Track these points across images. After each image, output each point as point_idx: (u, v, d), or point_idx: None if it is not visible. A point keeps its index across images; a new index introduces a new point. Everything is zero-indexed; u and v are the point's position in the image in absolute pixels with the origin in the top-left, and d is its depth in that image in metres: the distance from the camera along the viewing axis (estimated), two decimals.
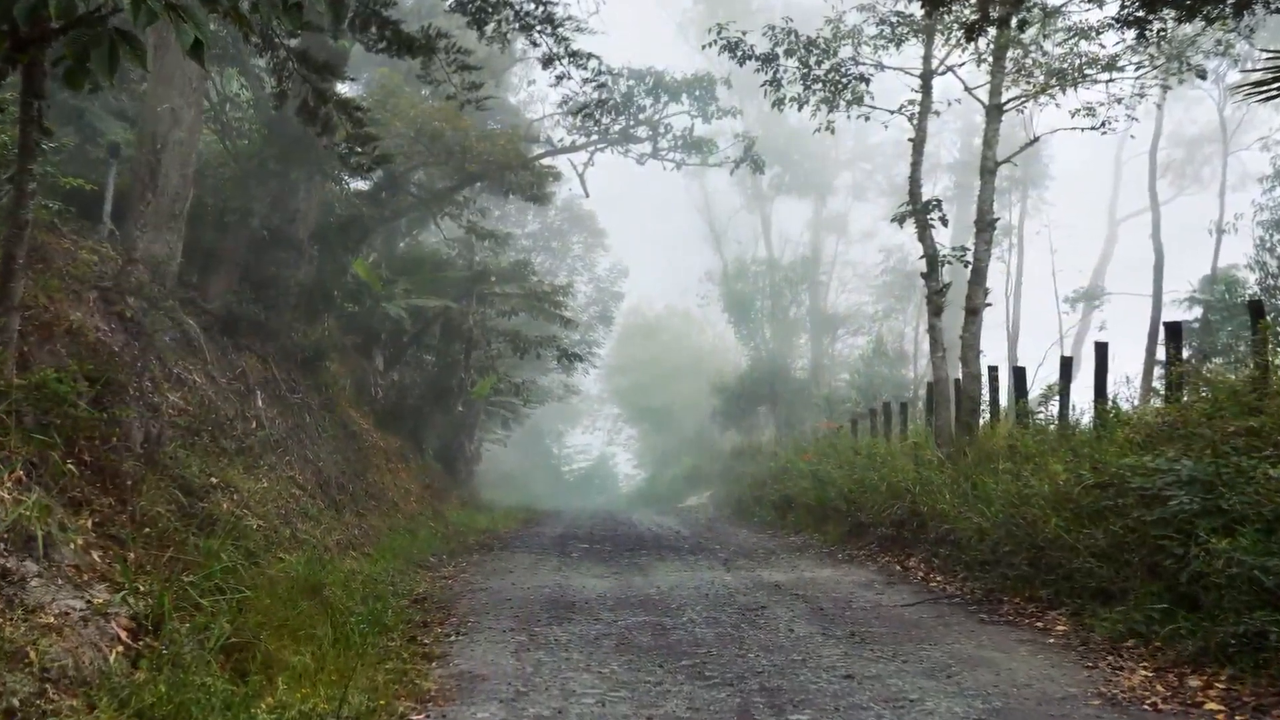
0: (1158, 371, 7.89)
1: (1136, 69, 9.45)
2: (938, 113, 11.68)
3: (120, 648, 4.17)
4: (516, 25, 12.24)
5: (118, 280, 8.17)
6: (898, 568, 7.98)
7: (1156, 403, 7.61)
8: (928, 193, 11.65)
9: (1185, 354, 7.26)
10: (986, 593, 6.64)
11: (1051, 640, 5.51)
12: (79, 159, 9.20)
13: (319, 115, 10.26)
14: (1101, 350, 7.85)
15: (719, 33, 12.14)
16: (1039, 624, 5.85)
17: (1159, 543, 5.56)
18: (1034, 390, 9.42)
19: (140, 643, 4.32)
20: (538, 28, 12.21)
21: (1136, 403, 7.63)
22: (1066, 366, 8.70)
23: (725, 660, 5.10)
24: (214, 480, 7.28)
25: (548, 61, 12.89)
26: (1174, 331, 7.13)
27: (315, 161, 13.24)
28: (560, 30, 12.39)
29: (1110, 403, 7.61)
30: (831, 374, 31.11)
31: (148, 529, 5.59)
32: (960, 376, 10.07)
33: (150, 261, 9.50)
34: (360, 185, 15.76)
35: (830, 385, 27.70)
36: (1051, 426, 8.29)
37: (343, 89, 14.19)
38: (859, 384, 22.71)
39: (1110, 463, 6.59)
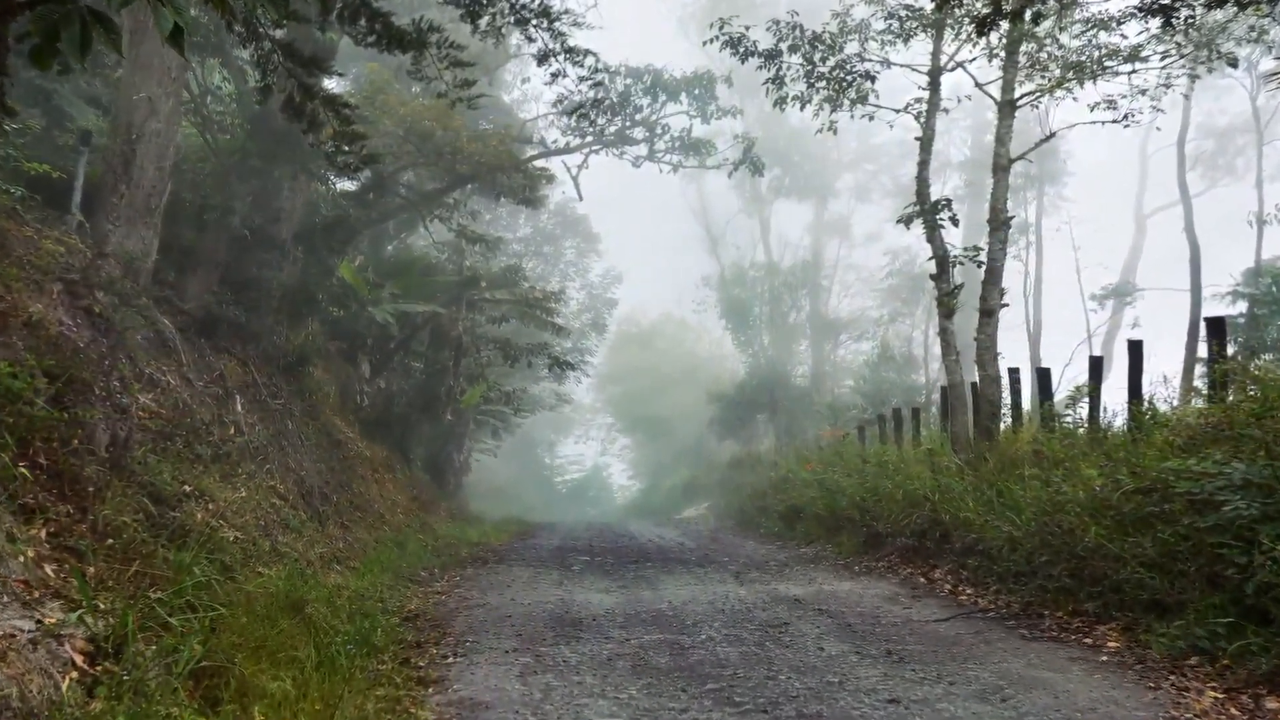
0: (1199, 370, 7.50)
1: (1162, 59, 9.15)
2: (947, 110, 11.35)
3: (74, 673, 3.72)
4: (512, 19, 11.81)
5: (85, 273, 7.62)
6: (922, 580, 7.52)
7: (1198, 403, 7.23)
8: (936, 192, 11.32)
9: (1230, 350, 6.87)
10: (1024, 606, 6.19)
11: (1104, 658, 5.07)
12: (46, 143, 8.64)
13: (305, 111, 9.84)
14: (1136, 348, 7.46)
15: (721, 28, 11.79)
16: (1087, 640, 5.41)
17: (1217, 551, 5.15)
18: (1060, 392, 9.05)
19: (98, 668, 3.85)
20: (533, 22, 11.77)
21: (1176, 403, 7.25)
22: (1096, 366, 8.31)
23: (754, 683, 4.62)
24: (187, 488, 6.76)
25: (543, 58, 12.46)
26: (1217, 327, 6.76)
27: (300, 159, 12.75)
28: (557, 25, 11.96)
29: (1146, 403, 7.23)
30: (834, 380, 30.42)
31: (111, 540, 5.08)
32: (976, 380, 9.68)
33: (123, 257, 8.96)
34: (347, 185, 15.26)
35: (833, 392, 27.06)
36: (1080, 430, 7.89)
37: (330, 84, 13.70)
38: (865, 390, 22.06)
39: (1150, 467, 6.20)
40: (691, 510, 23.36)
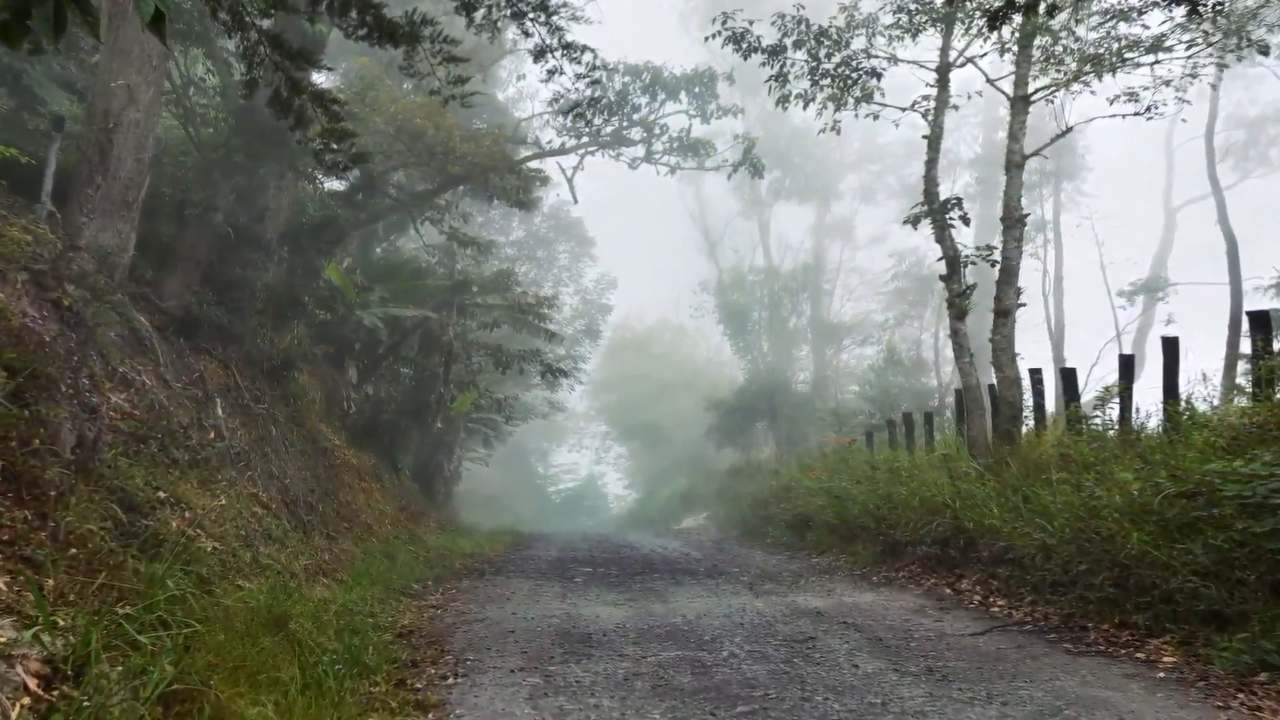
0: (1242, 366, 7.14)
1: (1187, 48, 8.88)
2: (956, 107, 11.06)
3: (27, 700, 3.28)
4: (508, 12, 11.43)
5: (55, 265, 7.13)
6: (948, 591, 7.11)
7: (1242, 401, 6.89)
8: (946, 191, 11.00)
9: (1276, 345, 6.52)
10: (1064, 618, 5.79)
11: (1162, 674, 4.67)
12: (14, 126, 8.15)
13: (292, 107, 9.45)
14: (1171, 345, 7.12)
15: (724, 23, 11.46)
16: (1140, 655, 5.01)
17: (1279, 558, 4.79)
18: (1088, 393, 8.67)
19: (54, 692, 3.43)
20: (530, 15, 11.40)
21: (1216, 402, 6.90)
22: (1127, 365, 7.95)
23: (789, 705, 4.18)
24: (162, 495, 6.26)
25: (539, 54, 12.07)
26: (1260, 321, 6.43)
27: (287, 157, 12.30)
28: (555, 18, 11.59)
29: (1184, 403, 6.88)
30: (837, 386, 29.75)
31: (74, 549, 4.60)
32: (994, 382, 9.32)
33: (97, 251, 8.47)
34: (335, 185, 14.79)
35: (837, 398, 26.48)
36: (1110, 432, 7.53)
37: (319, 79, 13.27)
38: (871, 395, 21.56)
39: (1191, 469, 5.85)
40: (690, 520, 22.82)
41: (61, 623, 3.71)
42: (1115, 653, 5.10)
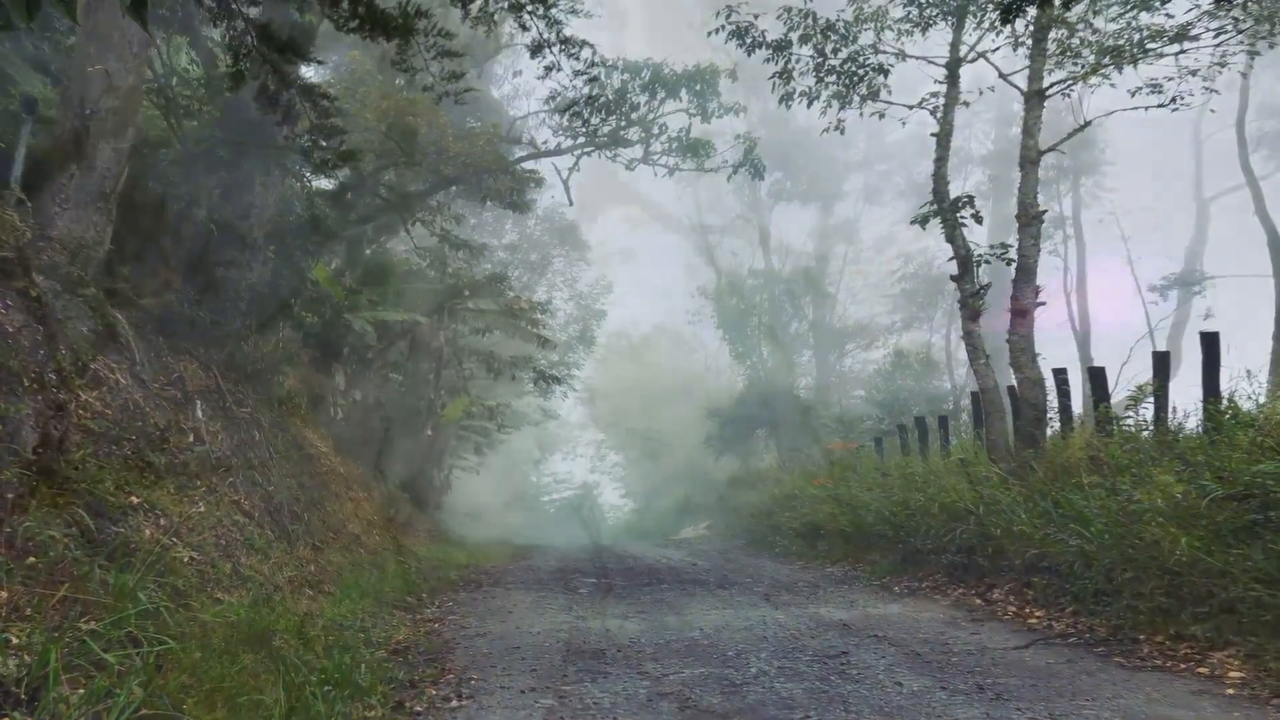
0: None
1: (1215, 36, 8.63)
2: (966, 103, 10.78)
3: None
4: (505, 4, 11.08)
5: (22, 253, 6.64)
6: (978, 601, 6.71)
7: None
8: (957, 189, 10.70)
9: None
10: (1111, 630, 5.40)
11: (1231, 690, 4.29)
12: None
13: (279, 101, 9.11)
14: (1211, 341, 6.79)
15: (728, 17, 11.16)
16: (1202, 669, 4.63)
17: None
18: (1119, 393, 8.30)
19: (6, 719, 2.97)
20: (529, 7, 11.05)
21: (1263, 400, 6.58)
22: (1162, 363, 7.61)
23: None
24: (134, 500, 5.78)
25: (536, 49, 11.72)
26: None
27: (273, 153, 11.87)
28: (553, 11, 11.24)
29: (1226, 401, 6.55)
30: (842, 392, 29.05)
31: (33, 558, 4.16)
32: (1014, 384, 8.96)
33: (70, 242, 7.99)
34: (324, 183, 14.34)
35: (841, 404, 25.88)
36: (1144, 433, 7.19)
37: (307, 72, 12.87)
38: (879, 400, 21.07)
39: (1239, 471, 5.50)
40: (690, 530, 22.32)
41: (16, 640, 3.38)
42: (1175, 667, 4.72)
